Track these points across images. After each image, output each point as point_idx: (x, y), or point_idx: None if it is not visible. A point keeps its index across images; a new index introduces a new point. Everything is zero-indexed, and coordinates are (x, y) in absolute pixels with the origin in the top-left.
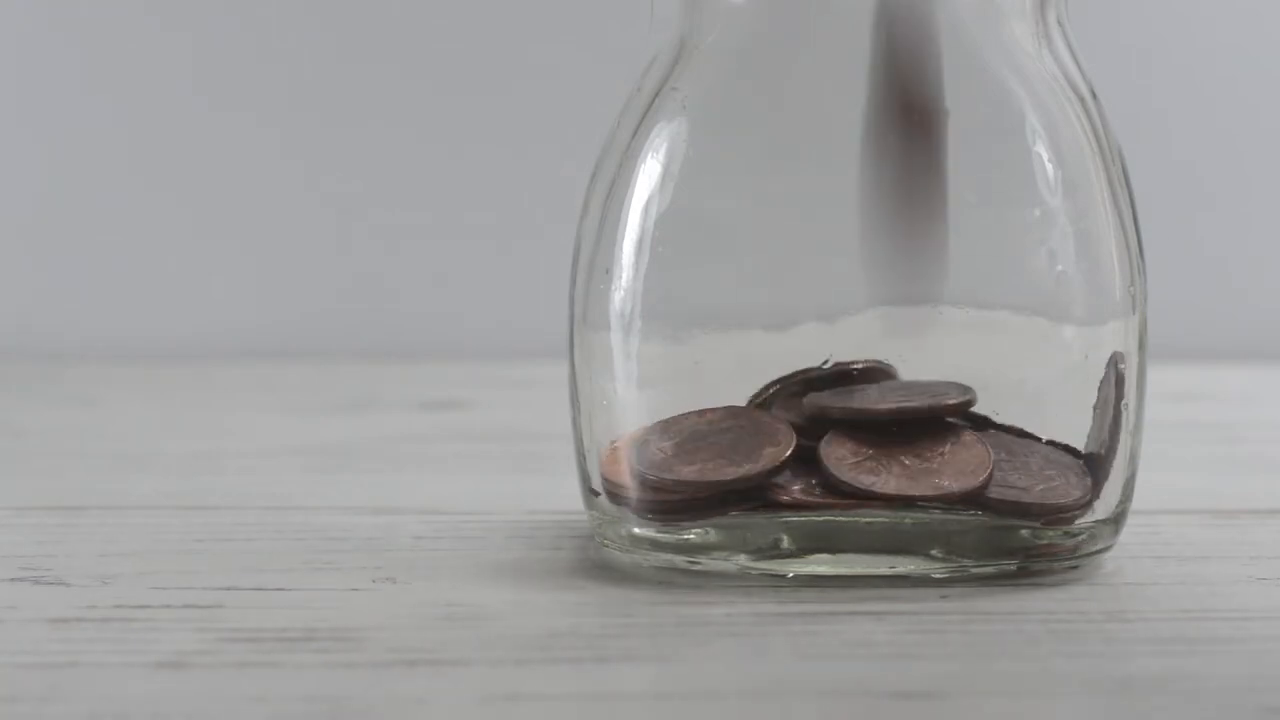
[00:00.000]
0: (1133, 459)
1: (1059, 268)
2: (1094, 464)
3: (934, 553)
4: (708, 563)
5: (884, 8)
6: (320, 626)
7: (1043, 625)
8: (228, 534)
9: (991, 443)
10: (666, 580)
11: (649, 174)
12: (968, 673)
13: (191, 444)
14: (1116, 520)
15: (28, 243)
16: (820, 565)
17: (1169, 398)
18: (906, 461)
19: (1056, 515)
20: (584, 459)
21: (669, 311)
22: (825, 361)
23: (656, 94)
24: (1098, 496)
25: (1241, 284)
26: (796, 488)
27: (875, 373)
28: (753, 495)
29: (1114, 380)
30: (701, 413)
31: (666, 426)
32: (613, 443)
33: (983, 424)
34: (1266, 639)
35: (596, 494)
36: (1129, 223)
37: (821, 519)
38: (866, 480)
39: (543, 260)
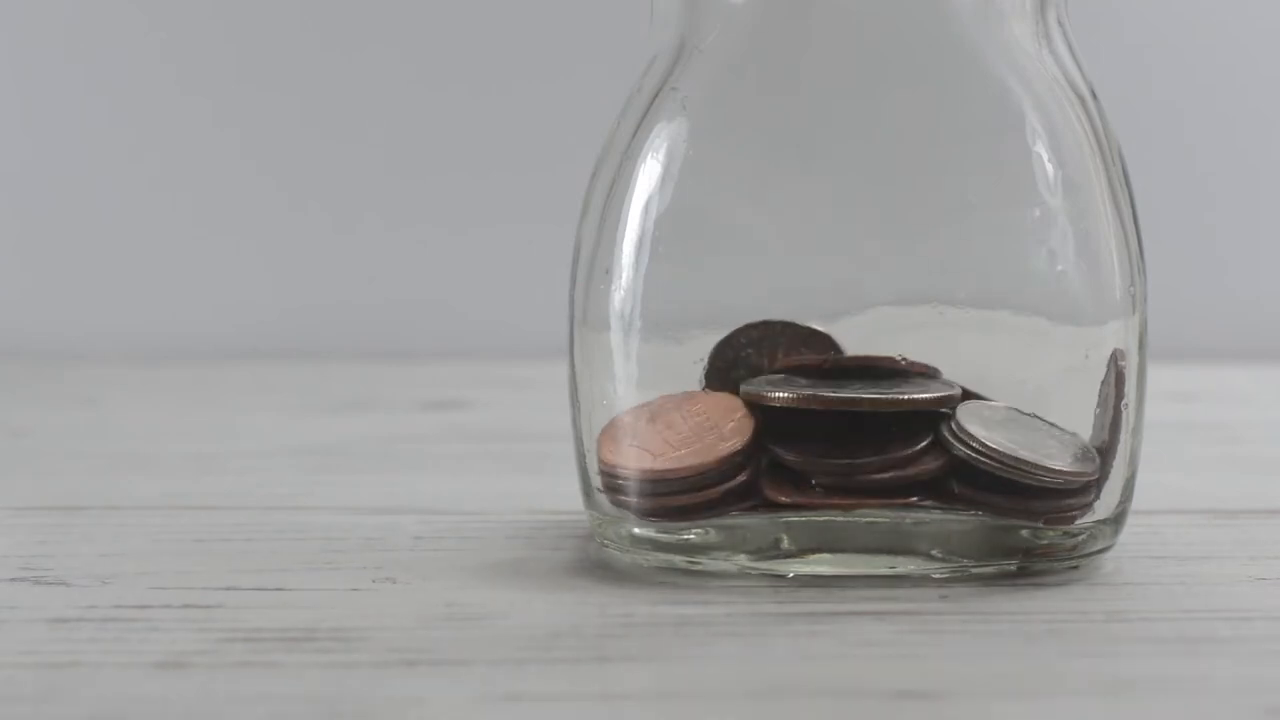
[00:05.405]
0: (1133, 459)
1: (1059, 268)
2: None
3: (934, 553)
4: (708, 563)
5: None
6: (320, 626)
7: (1043, 625)
8: (228, 534)
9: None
10: (666, 580)
11: (649, 174)
12: (968, 673)
13: (191, 444)
14: (1116, 520)
15: (28, 243)
16: (820, 565)
17: (1169, 398)
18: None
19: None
20: (584, 459)
21: (669, 311)
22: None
23: (656, 94)
24: (1098, 496)
25: (1242, 284)
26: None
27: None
28: (749, 493)
29: (1114, 378)
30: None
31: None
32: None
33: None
34: (1266, 639)
35: (590, 494)
36: (1129, 223)
37: (822, 519)
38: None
39: (543, 260)
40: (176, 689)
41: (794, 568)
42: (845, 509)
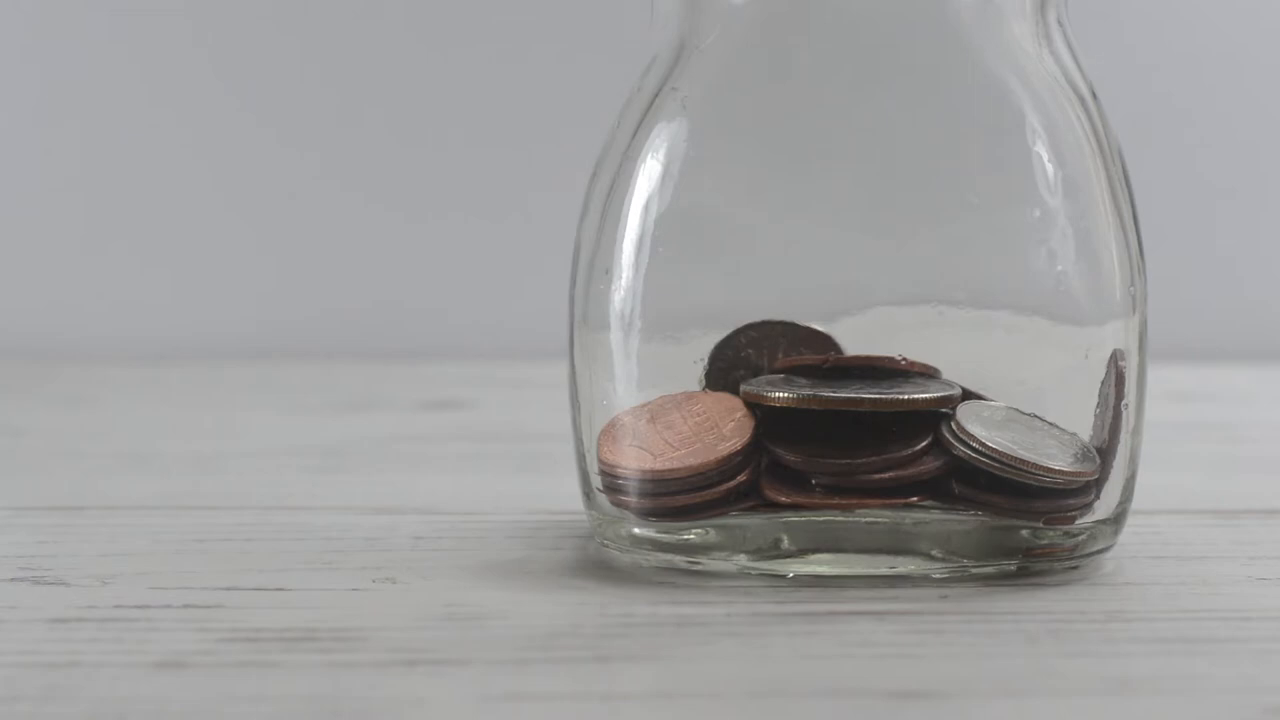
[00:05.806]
0: (1133, 459)
1: (1059, 268)
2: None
3: (934, 553)
4: (708, 563)
5: None
6: (320, 626)
7: (1043, 625)
8: (228, 534)
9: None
10: (666, 580)
11: (649, 174)
12: (968, 673)
13: (191, 444)
14: (1116, 520)
15: (27, 243)
16: (820, 565)
17: (1169, 398)
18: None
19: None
20: (584, 459)
21: (669, 311)
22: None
23: (656, 94)
24: (1098, 496)
25: (1242, 284)
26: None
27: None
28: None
29: (1114, 379)
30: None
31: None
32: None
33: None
34: (1266, 639)
35: (590, 494)
36: (1129, 223)
37: (821, 519)
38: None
39: (543, 260)
40: (176, 689)
41: (794, 568)
42: (845, 509)
